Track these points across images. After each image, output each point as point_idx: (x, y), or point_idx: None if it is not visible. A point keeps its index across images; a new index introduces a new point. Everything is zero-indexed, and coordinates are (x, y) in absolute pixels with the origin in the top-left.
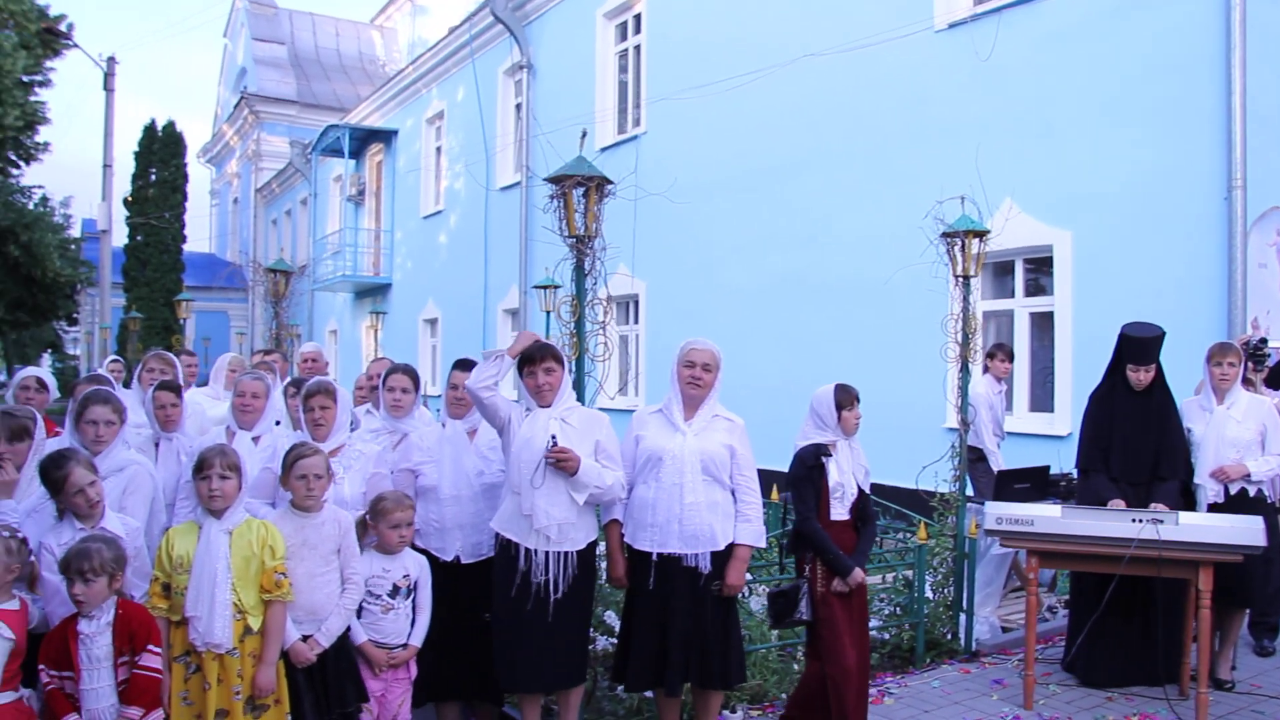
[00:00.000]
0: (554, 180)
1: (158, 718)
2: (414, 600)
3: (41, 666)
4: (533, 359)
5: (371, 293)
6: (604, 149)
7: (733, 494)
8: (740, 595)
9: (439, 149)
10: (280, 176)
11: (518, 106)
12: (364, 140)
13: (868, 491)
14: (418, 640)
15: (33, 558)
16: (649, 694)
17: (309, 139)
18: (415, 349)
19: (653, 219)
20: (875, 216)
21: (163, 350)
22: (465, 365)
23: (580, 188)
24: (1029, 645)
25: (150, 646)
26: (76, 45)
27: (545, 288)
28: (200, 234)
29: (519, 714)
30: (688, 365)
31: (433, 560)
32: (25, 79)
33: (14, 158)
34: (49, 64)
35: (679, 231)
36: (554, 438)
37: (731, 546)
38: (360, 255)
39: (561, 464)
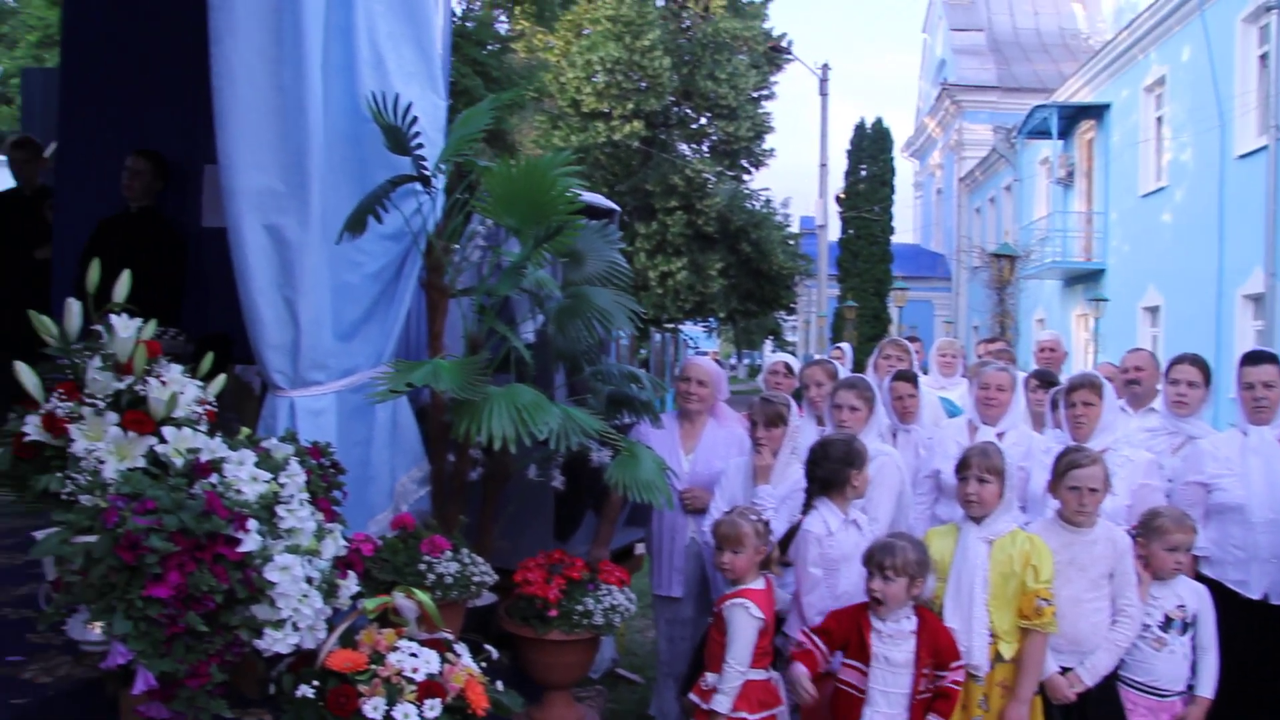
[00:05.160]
0: None
1: None
2: (1193, 639)
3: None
4: None
5: (1082, 279)
6: None
7: None
8: None
9: (1159, 119)
10: (983, 164)
11: (1262, 57)
12: (1072, 118)
13: None
14: (1207, 690)
15: (773, 539)
16: None
17: (1012, 123)
18: (1133, 339)
19: None
20: None
21: (899, 338)
22: (1259, 358)
23: None
24: None
25: (954, 663)
26: (795, 58)
27: None
28: (905, 226)
29: None
30: None
31: (1231, 596)
32: (754, 94)
33: (745, 165)
34: (772, 78)
35: None
36: None
37: None
38: (1070, 240)
39: None
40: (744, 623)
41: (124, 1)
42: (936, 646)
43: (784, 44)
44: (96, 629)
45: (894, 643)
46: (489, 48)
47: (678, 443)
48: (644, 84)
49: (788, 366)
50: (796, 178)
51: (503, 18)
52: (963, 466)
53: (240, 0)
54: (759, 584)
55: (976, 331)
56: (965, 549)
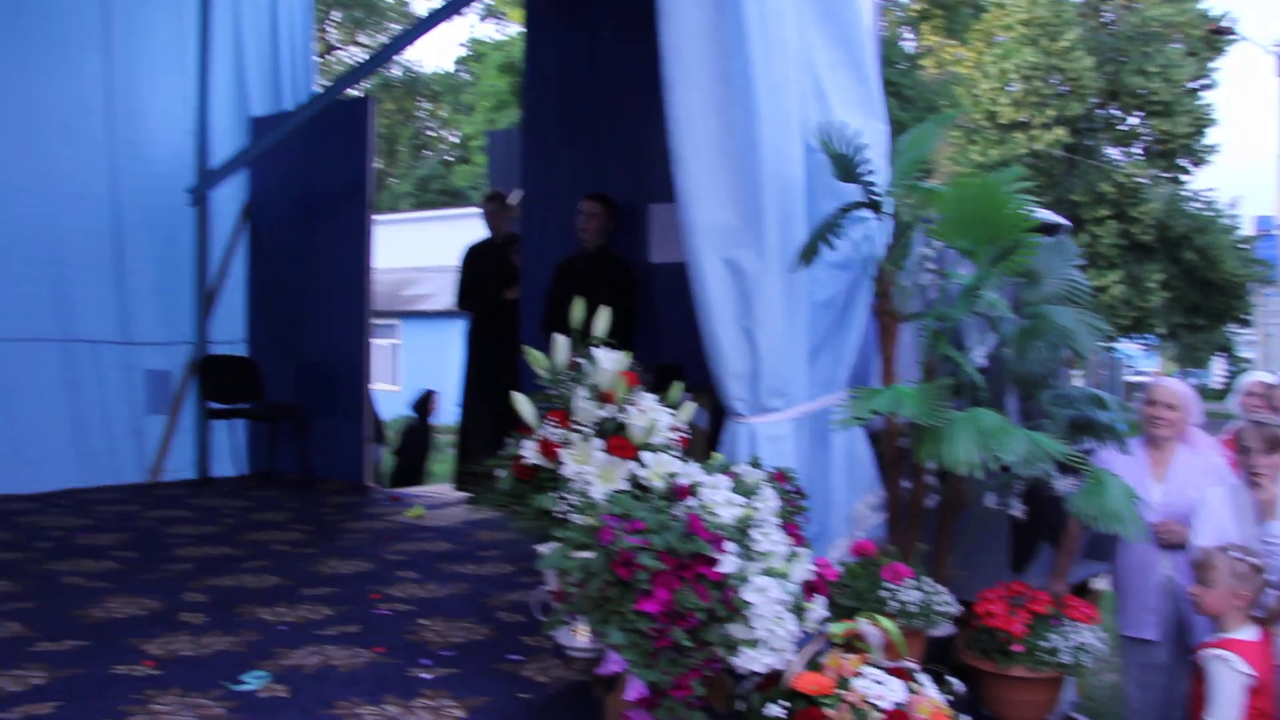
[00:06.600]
0: None
1: None
2: None
3: None
4: None
5: None
6: None
7: None
8: None
9: None
10: None
11: None
12: None
13: None
14: None
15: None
16: None
17: None
18: None
19: None
20: None
21: None
22: None
23: None
24: None
25: None
26: (1242, 38)
27: None
28: None
29: None
30: None
31: None
32: (1191, 85)
33: (1185, 164)
34: (1213, 64)
35: None
36: None
37: None
38: None
39: None
40: (1225, 678)
41: (575, 64)
42: None
43: (1226, 24)
44: (582, 637)
45: None
46: (898, 66)
47: (1147, 471)
48: (1064, 88)
49: (1267, 386)
50: (1248, 173)
51: (908, 35)
52: None
53: (690, 49)
54: (1250, 634)
55: None
56: None
